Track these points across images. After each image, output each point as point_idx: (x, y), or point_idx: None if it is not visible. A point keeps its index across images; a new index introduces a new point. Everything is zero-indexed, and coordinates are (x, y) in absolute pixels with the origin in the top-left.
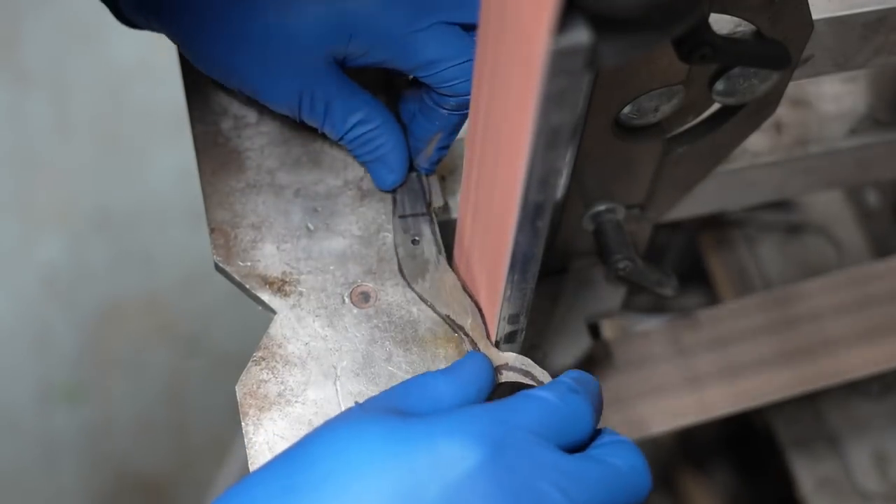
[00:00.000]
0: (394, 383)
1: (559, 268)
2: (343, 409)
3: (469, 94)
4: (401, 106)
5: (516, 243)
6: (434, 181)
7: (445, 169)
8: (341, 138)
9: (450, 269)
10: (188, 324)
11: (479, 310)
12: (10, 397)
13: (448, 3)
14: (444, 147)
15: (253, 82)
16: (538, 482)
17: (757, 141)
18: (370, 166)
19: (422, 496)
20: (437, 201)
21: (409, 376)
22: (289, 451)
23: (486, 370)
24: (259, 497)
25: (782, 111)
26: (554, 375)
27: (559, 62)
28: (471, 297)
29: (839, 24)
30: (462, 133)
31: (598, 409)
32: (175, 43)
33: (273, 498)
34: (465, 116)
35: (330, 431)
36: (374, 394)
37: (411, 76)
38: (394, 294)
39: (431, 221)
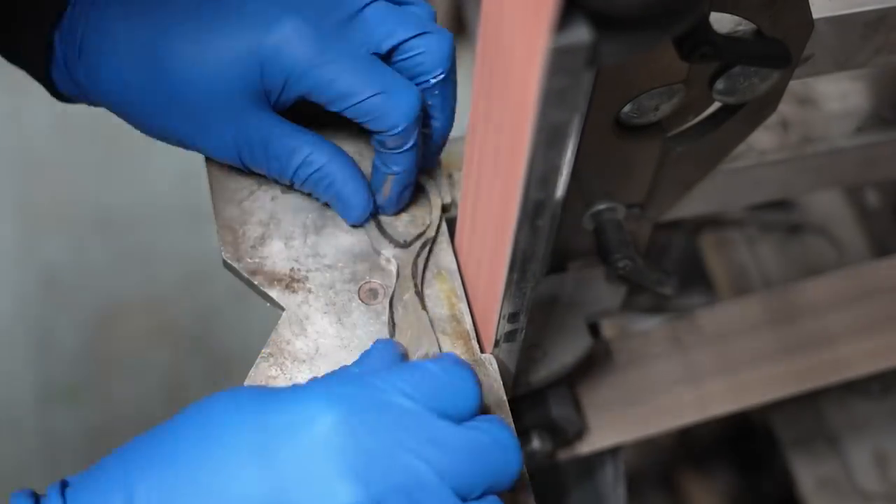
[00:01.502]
0: None
1: (559, 267)
2: None
3: (398, 128)
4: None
5: (516, 242)
6: (441, 179)
7: (453, 166)
8: (291, 182)
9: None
10: (188, 324)
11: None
12: (10, 397)
13: (360, 31)
14: (403, 187)
15: (191, 138)
16: (397, 446)
17: (763, 139)
18: (332, 206)
19: (273, 453)
20: (445, 198)
21: None
22: (177, 414)
23: (390, 348)
24: (127, 457)
25: (788, 109)
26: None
27: (559, 60)
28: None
29: (840, 23)
30: (462, 132)
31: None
32: (117, 115)
33: (137, 451)
34: (410, 155)
35: (210, 397)
36: None
37: (332, 110)
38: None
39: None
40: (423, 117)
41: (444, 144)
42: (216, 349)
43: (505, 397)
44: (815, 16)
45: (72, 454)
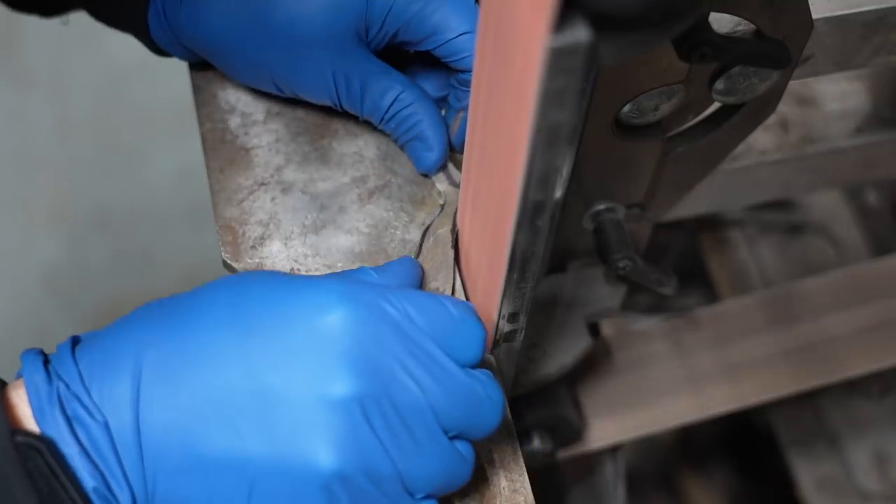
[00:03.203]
0: None
1: (559, 267)
2: None
3: None
4: (429, 85)
5: (516, 242)
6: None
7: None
8: (381, 119)
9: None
10: None
11: None
12: None
13: None
14: None
15: (288, 77)
16: (397, 364)
17: (763, 139)
18: (410, 147)
19: (280, 336)
20: (443, 198)
21: None
22: (196, 288)
23: (412, 268)
24: (141, 321)
25: (788, 109)
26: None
27: (558, 60)
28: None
29: (839, 23)
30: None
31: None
32: (212, 63)
33: (152, 316)
34: None
35: (228, 277)
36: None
37: (424, 49)
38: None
39: None
40: None
41: None
42: None
43: (504, 397)
44: (814, 16)
45: None
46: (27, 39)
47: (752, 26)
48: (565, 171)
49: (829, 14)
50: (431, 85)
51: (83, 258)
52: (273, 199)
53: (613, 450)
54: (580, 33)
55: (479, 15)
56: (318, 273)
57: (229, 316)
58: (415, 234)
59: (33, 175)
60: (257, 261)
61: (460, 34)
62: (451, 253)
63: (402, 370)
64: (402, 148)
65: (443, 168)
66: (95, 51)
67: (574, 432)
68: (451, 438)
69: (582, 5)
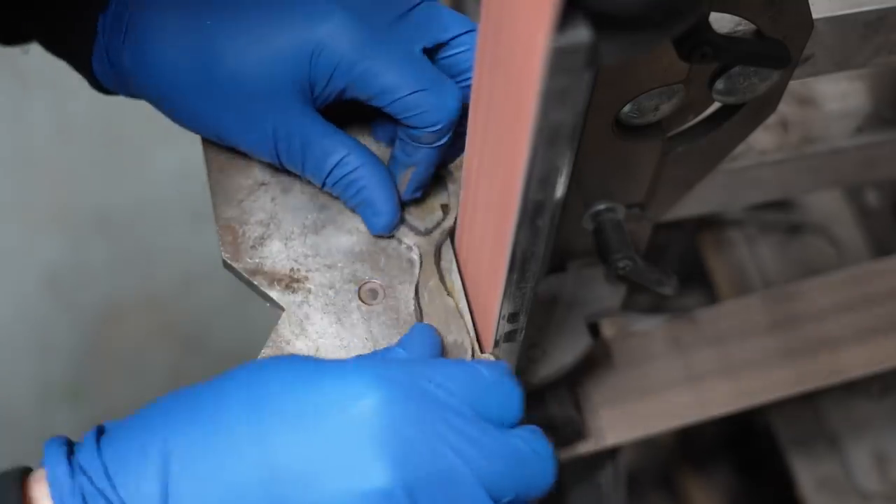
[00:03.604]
0: None
1: (559, 267)
2: None
3: (437, 126)
4: (391, 140)
5: (516, 242)
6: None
7: (452, 164)
8: (323, 183)
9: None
10: (188, 324)
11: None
12: (10, 397)
13: (409, 26)
14: (422, 182)
15: (229, 132)
16: (437, 439)
17: (763, 139)
18: (359, 210)
19: (314, 427)
20: (443, 198)
21: None
22: (219, 376)
23: (431, 335)
24: (168, 410)
25: (789, 109)
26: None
27: (560, 60)
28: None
29: (839, 23)
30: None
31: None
32: (155, 106)
33: (179, 406)
34: (438, 151)
35: (256, 362)
36: None
37: (374, 105)
38: (402, 291)
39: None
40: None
41: None
42: (216, 349)
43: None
44: (815, 16)
45: None
46: None
47: (753, 26)
48: (565, 171)
49: (829, 14)
50: (386, 131)
51: (83, 258)
52: (273, 199)
53: (613, 450)
54: (581, 33)
55: (479, 15)
56: (318, 273)
57: (258, 406)
58: (414, 237)
59: (34, 175)
60: (257, 260)
61: (411, 93)
62: (451, 300)
63: (442, 444)
64: (352, 210)
65: (402, 222)
66: None
67: (574, 432)
68: (508, 503)
69: (583, 5)
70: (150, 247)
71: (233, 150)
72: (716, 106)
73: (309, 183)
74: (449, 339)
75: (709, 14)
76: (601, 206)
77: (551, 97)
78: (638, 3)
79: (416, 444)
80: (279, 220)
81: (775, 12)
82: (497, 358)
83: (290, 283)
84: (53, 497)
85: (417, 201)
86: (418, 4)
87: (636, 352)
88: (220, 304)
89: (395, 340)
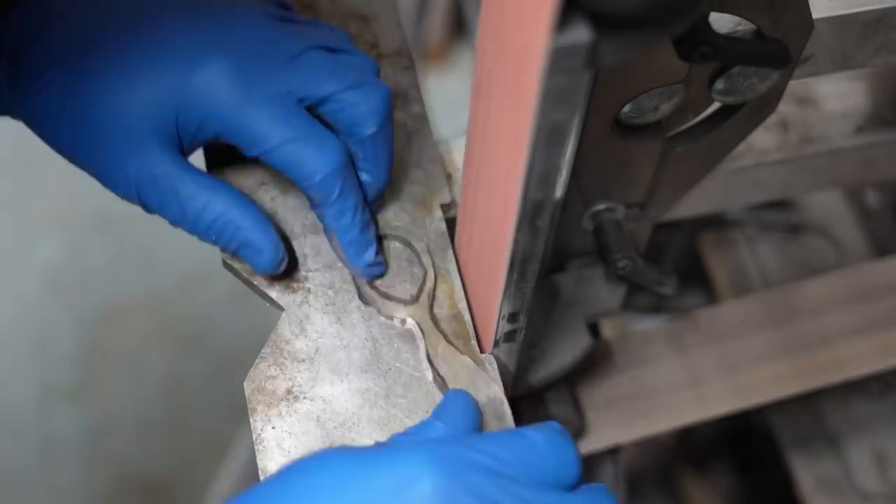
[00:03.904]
0: (401, 379)
1: (558, 267)
2: (350, 405)
3: (316, 177)
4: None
5: (516, 242)
6: (441, 178)
7: (452, 166)
8: (194, 231)
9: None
10: (188, 324)
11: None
12: (10, 397)
13: (291, 76)
14: (354, 242)
15: (94, 168)
16: None
17: (763, 139)
18: (241, 255)
19: None
20: (445, 198)
21: (416, 373)
22: (269, 480)
23: (467, 402)
24: None
25: (788, 109)
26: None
27: (559, 60)
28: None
29: (839, 23)
30: (462, 131)
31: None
32: (30, 129)
33: None
34: (341, 210)
35: (302, 461)
36: (381, 389)
37: (250, 155)
38: (402, 290)
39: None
40: (355, 172)
41: (377, 199)
42: (216, 349)
43: (505, 397)
44: (815, 16)
45: (72, 454)
46: None
47: (752, 26)
48: (565, 171)
49: (829, 14)
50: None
51: (83, 258)
52: (273, 199)
53: (613, 450)
54: (581, 33)
55: (479, 15)
56: (318, 273)
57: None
58: (415, 234)
59: (34, 176)
60: None
61: (283, 143)
62: (467, 359)
63: None
64: (234, 258)
65: (386, 297)
66: None
67: (574, 432)
68: None
69: (583, 5)
70: (150, 247)
71: (233, 151)
72: (716, 106)
73: None
74: (480, 397)
75: (709, 14)
76: (601, 206)
77: (551, 97)
78: (637, 3)
79: None
80: (279, 220)
81: (775, 12)
82: (497, 358)
83: (290, 282)
84: None
85: (391, 272)
86: (305, 51)
87: (636, 352)
88: (220, 304)
89: (394, 342)
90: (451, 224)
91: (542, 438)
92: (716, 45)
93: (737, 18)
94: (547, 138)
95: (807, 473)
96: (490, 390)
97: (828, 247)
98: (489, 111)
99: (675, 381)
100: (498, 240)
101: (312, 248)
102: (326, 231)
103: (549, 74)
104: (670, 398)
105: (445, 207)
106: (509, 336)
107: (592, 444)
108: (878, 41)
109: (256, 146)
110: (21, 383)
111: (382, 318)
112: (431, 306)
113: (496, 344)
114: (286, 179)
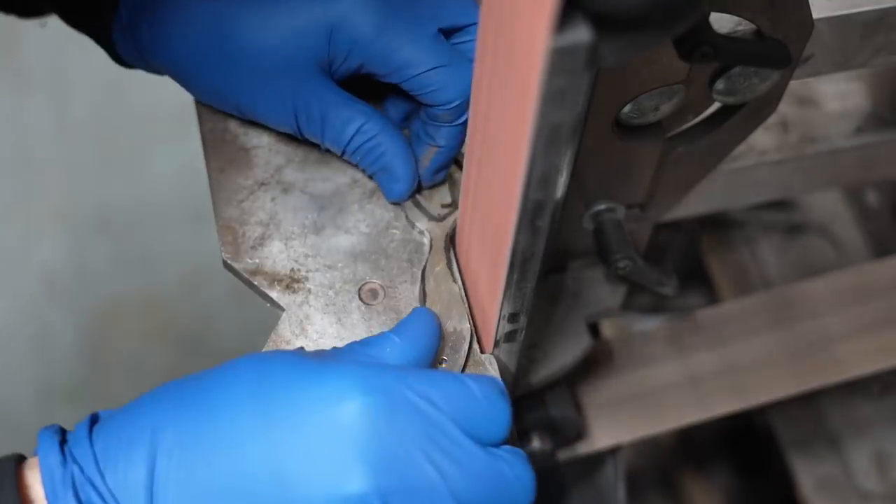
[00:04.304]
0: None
1: (559, 267)
2: None
3: (454, 103)
4: (402, 119)
5: (516, 242)
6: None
7: (451, 167)
8: (343, 151)
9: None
10: (188, 324)
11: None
12: (10, 397)
13: (426, 6)
14: (445, 161)
15: (249, 103)
16: (417, 452)
17: (763, 139)
18: (377, 178)
19: (296, 426)
20: (445, 198)
21: None
22: (206, 371)
23: (430, 322)
24: (157, 402)
25: (788, 109)
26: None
27: (559, 61)
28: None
29: (839, 23)
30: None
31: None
32: (174, 79)
33: (167, 399)
34: (459, 130)
35: (246, 359)
36: None
37: (390, 81)
38: (402, 291)
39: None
40: None
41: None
42: (216, 349)
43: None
44: (815, 16)
45: None
46: (27, 41)
47: (753, 26)
48: (565, 171)
49: (829, 14)
50: (398, 109)
51: (83, 259)
52: (273, 199)
53: (613, 450)
54: (581, 34)
55: (479, 15)
56: (318, 273)
57: (248, 400)
58: (414, 235)
59: (34, 176)
60: (257, 261)
61: (429, 69)
62: (455, 287)
63: (423, 458)
64: (370, 178)
65: (416, 205)
66: (95, 52)
67: (574, 432)
68: None
69: (583, 6)
70: (150, 247)
71: (233, 150)
72: (716, 106)
73: (309, 183)
74: (449, 325)
75: (709, 14)
76: (601, 206)
77: (551, 97)
78: (638, 4)
79: (397, 455)
80: (279, 221)
81: (775, 12)
82: (497, 358)
83: (291, 283)
84: (45, 485)
85: (432, 188)
86: None
87: (636, 352)
88: (220, 304)
89: None
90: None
91: (479, 390)
92: (716, 46)
93: (737, 18)
94: (547, 138)
95: (807, 474)
96: (462, 325)
97: (828, 247)
98: (489, 111)
99: (675, 381)
100: (498, 240)
101: (313, 248)
102: (424, 144)
103: (549, 75)
104: (670, 398)
105: (445, 207)
106: (510, 336)
107: (592, 444)
108: (878, 41)
109: (401, 73)
110: (20, 383)
111: (404, 222)
112: (451, 234)
113: (496, 344)
114: (287, 179)
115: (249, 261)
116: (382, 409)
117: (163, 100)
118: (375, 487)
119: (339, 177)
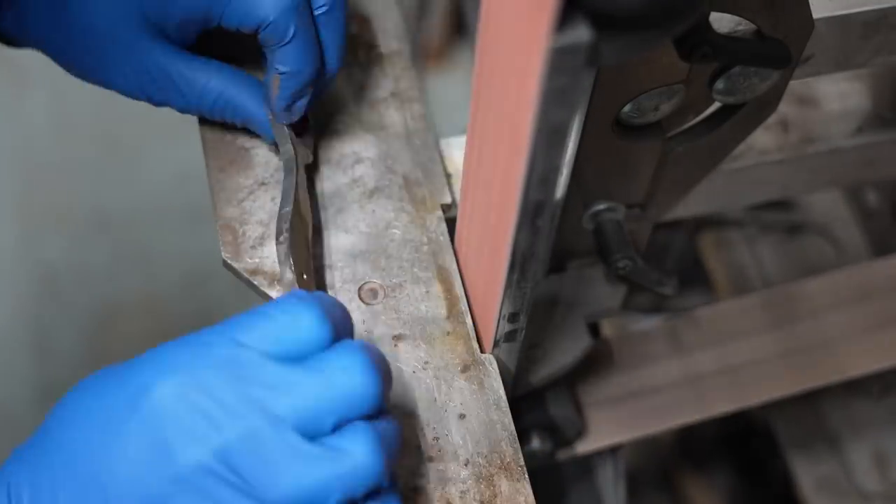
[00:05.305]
0: (401, 380)
1: (559, 267)
2: None
3: (269, 20)
4: None
5: (516, 242)
6: (441, 177)
7: (452, 166)
8: (204, 114)
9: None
10: (188, 324)
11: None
12: (9, 397)
13: None
14: (296, 90)
15: (99, 74)
16: (232, 399)
17: (763, 139)
18: (251, 129)
19: (120, 423)
20: (445, 198)
21: (417, 373)
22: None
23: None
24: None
25: (788, 109)
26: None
27: (559, 60)
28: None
29: (840, 23)
30: (462, 132)
31: (336, 322)
32: (45, 54)
33: (19, 450)
34: (294, 52)
35: (74, 387)
36: None
37: (224, 26)
38: (402, 290)
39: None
40: (315, 26)
41: (326, 87)
42: None
43: (505, 397)
44: (815, 16)
45: None
46: None
47: (753, 26)
48: (565, 171)
49: (829, 14)
50: None
51: (83, 258)
52: (273, 198)
53: (613, 450)
54: (581, 33)
55: (479, 17)
56: (318, 273)
57: (85, 422)
58: (415, 234)
59: (33, 176)
60: (257, 260)
61: None
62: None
63: (240, 402)
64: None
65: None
66: None
67: (574, 432)
68: (336, 430)
69: (583, 5)
70: (150, 247)
71: (233, 150)
72: (716, 106)
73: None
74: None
75: (709, 14)
76: (601, 206)
77: (551, 97)
78: (638, 3)
79: (213, 413)
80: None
81: (775, 12)
82: (497, 358)
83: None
84: None
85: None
86: None
87: (636, 352)
88: (220, 304)
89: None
90: (451, 224)
91: (278, 311)
92: (716, 45)
93: (737, 18)
94: (547, 138)
95: (807, 474)
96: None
97: (828, 247)
98: (489, 111)
99: (675, 381)
100: (498, 240)
101: (312, 248)
102: (270, 72)
103: (549, 74)
104: (670, 398)
105: (445, 207)
106: (510, 336)
107: (592, 443)
108: (878, 41)
109: (215, 7)
110: (20, 383)
111: (404, 222)
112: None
113: (496, 344)
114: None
115: (249, 260)
116: (184, 379)
117: None
118: (207, 454)
119: (339, 176)
